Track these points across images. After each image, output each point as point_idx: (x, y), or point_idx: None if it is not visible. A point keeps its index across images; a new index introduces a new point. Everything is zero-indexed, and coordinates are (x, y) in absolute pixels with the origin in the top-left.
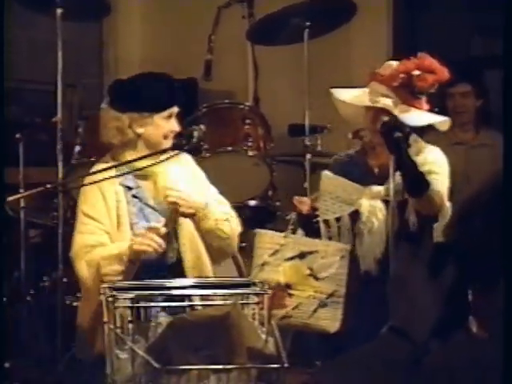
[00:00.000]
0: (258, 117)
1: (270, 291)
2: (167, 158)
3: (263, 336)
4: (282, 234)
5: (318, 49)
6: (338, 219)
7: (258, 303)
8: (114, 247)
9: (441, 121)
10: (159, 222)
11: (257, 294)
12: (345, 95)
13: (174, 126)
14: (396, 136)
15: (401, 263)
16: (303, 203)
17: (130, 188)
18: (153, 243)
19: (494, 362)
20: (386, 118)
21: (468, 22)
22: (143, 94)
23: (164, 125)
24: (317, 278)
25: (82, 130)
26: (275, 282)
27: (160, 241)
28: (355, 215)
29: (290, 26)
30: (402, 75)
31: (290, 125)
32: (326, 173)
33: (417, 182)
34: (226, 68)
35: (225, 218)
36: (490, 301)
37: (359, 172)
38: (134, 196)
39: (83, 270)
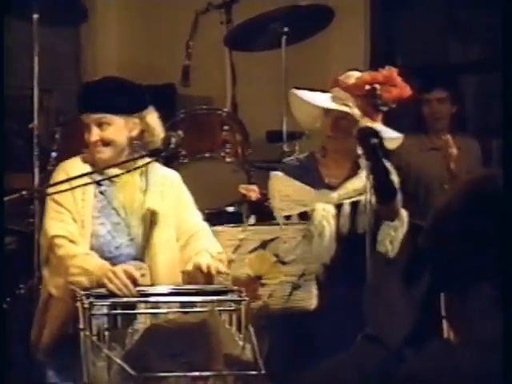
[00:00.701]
0: (236, 123)
1: (247, 299)
2: (143, 165)
3: (240, 343)
4: (240, 228)
5: (295, 55)
6: (287, 217)
7: (235, 310)
8: (88, 261)
9: (397, 136)
10: (137, 266)
11: (234, 301)
12: (308, 96)
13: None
14: (373, 142)
15: (375, 271)
16: (251, 190)
17: (100, 184)
18: (124, 289)
19: (469, 368)
20: (362, 125)
21: (445, 27)
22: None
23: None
24: (284, 263)
25: (58, 135)
26: (245, 275)
27: (131, 288)
28: (304, 217)
29: (267, 32)
30: (367, 85)
31: (267, 131)
32: (276, 173)
33: (388, 189)
34: (204, 74)
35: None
36: (463, 306)
37: (309, 177)
38: (101, 193)
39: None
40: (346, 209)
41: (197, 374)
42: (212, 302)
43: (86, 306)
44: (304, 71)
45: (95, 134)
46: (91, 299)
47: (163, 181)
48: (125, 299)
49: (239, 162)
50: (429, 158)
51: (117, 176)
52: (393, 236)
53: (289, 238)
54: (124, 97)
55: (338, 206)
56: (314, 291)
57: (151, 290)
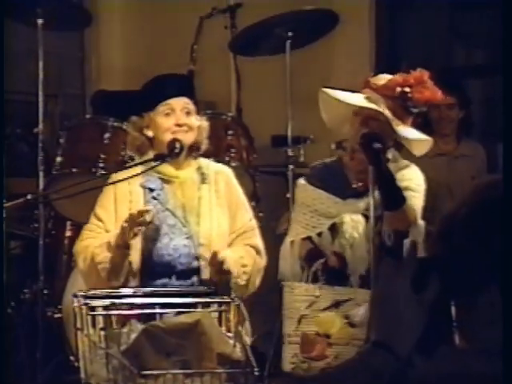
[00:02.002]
0: (241, 127)
1: (236, 300)
2: (147, 170)
3: (231, 342)
4: (317, 286)
5: (300, 59)
6: (319, 234)
7: (223, 311)
8: (105, 236)
9: (426, 139)
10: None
11: (222, 303)
12: (340, 95)
13: (177, 119)
14: (375, 147)
15: (384, 278)
16: (335, 260)
17: (151, 190)
18: (138, 222)
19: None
20: (365, 130)
21: (450, 32)
22: (136, 97)
23: (164, 121)
24: (353, 326)
25: (63, 140)
26: (313, 333)
27: (142, 217)
28: (333, 230)
29: (272, 37)
30: (398, 87)
31: (272, 135)
32: (302, 182)
33: (393, 195)
34: (209, 78)
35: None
36: (473, 314)
37: (336, 182)
38: (154, 198)
39: (81, 264)
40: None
41: (192, 371)
42: (204, 302)
43: (83, 306)
44: (308, 76)
45: (182, 118)
46: (88, 300)
47: (217, 176)
48: (121, 300)
49: (244, 167)
50: (435, 164)
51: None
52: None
53: (359, 300)
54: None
55: (367, 217)
56: None
57: (144, 291)
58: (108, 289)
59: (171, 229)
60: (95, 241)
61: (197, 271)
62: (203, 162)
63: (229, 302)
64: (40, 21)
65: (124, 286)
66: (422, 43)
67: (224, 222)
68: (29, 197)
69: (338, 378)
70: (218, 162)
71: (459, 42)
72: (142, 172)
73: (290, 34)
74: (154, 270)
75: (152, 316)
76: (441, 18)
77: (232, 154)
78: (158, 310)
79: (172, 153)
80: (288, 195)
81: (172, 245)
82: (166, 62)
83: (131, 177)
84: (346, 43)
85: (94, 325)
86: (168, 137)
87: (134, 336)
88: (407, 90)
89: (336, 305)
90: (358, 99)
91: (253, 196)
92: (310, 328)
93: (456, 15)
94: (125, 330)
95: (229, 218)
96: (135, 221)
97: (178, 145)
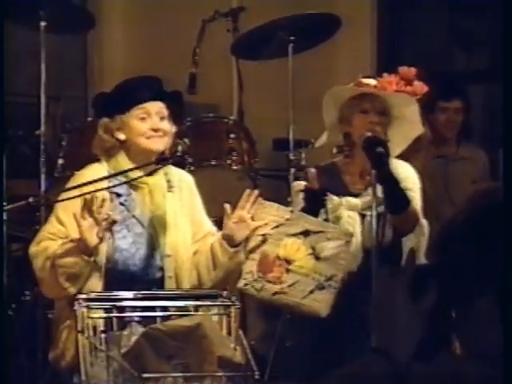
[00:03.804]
0: (243, 131)
1: (237, 303)
2: (154, 171)
3: (232, 345)
4: (289, 209)
5: (302, 63)
6: None
7: (225, 314)
8: (67, 240)
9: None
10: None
11: (224, 306)
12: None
13: (152, 123)
14: (378, 151)
15: (382, 284)
16: (316, 180)
17: (119, 195)
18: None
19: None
20: (368, 134)
21: (452, 34)
22: (108, 98)
23: (138, 125)
24: (318, 258)
25: (65, 142)
26: (275, 254)
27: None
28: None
29: (274, 40)
30: (394, 83)
31: (274, 139)
32: (299, 182)
33: (398, 198)
34: (211, 82)
35: None
36: (472, 320)
37: (332, 185)
38: (122, 204)
39: (39, 266)
40: (370, 219)
41: (193, 374)
42: (205, 305)
43: (84, 308)
44: (311, 79)
45: (157, 122)
46: (88, 302)
47: (180, 183)
48: (122, 303)
49: (245, 170)
50: (435, 167)
51: (131, 181)
52: (415, 247)
53: (334, 236)
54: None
55: (363, 216)
56: (332, 300)
57: (145, 294)
58: (62, 294)
59: (138, 238)
60: (55, 243)
61: (159, 282)
62: (168, 168)
63: (229, 305)
64: (43, 23)
65: (79, 293)
66: (424, 46)
67: (188, 233)
68: (30, 200)
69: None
70: (219, 165)
71: (461, 44)
72: (139, 178)
73: (292, 37)
74: (117, 279)
75: (152, 319)
76: (443, 20)
77: (233, 158)
78: (158, 313)
79: (174, 155)
80: (289, 199)
81: (138, 254)
82: (168, 64)
83: (99, 180)
84: (348, 47)
85: (94, 328)
86: (142, 141)
87: (134, 339)
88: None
89: (305, 233)
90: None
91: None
92: (271, 249)
93: (458, 17)
94: (125, 332)
95: (191, 227)
96: (91, 210)
97: (180, 147)
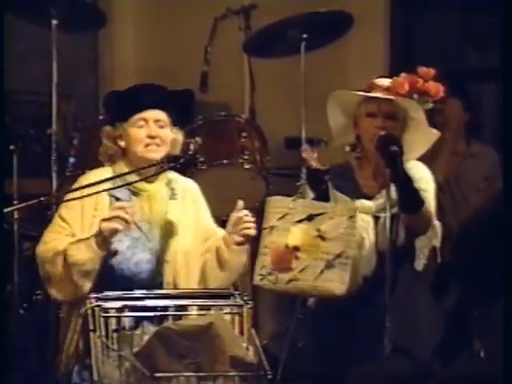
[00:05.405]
0: (255, 129)
1: (249, 303)
2: (160, 172)
3: (244, 344)
4: (291, 198)
5: (314, 61)
6: None
7: (237, 313)
8: (74, 239)
9: (433, 133)
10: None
11: (237, 306)
12: (359, 92)
13: (149, 130)
14: (392, 150)
15: (403, 284)
16: (313, 158)
17: (118, 199)
18: (120, 217)
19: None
20: (382, 133)
21: (465, 36)
22: (109, 107)
23: (136, 133)
24: (324, 239)
25: (76, 141)
26: (283, 244)
27: (127, 216)
28: None
29: (286, 39)
30: (407, 84)
31: (286, 138)
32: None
33: (412, 198)
34: (223, 80)
35: None
36: (492, 320)
37: (346, 187)
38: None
39: (49, 267)
40: (384, 221)
41: (205, 374)
42: (217, 305)
43: (96, 307)
44: (323, 78)
45: (155, 130)
46: (100, 301)
47: (184, 192)
48: (134, 302)
49: (257, 169)
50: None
51: (132, 183)
52: (427, 249)
53: (336, 215)
54: (177, 107)
55: (376, 217)
56: (347, 277)
57: (157, 293)
58: (74, 293)
59: (135, 242)
60: (62, 242)
61: (156, 288)
62: (173, 176)
63: (242, 305)
64: (54, 22)
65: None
66: (437, 45)
67: (188, 241)
68: (42, 198)
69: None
70: (231, 164)
71: (474, 42)
72: (153, 175)
73: (304, 35)
74: (112, 282)
75: (165, 318)
76: (455, 19)
77: (245, 157)
78: (171, 313)
79: (186, 154)
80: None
81: (134, 259)
82: (179, 62)
83: (101, 182)
84: (361, 45)
85: (106, 327)
86: (140, 149)
87: (146, 338)
88: (426, 82)
89: (309, 218)
90: (379, 94)
91: (266, 198)
92: (279, 239)
93: (471, 16)
94: (137, 331)
95: (195, 236)
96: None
97: (191, 146)
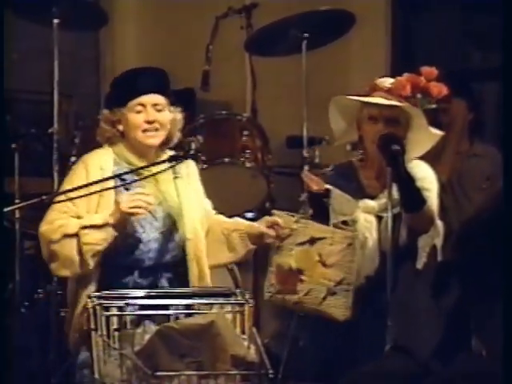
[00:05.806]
0: (256, 128)
1: (251, 301)
2: (164, 170)
3: (245, 344)
4: (294, 219)
5: (316, 60)
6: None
7: (239, 312)
8: (96, 217)
9: (435, 133)
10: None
11: (238, 305)
12: (360, 98)
13: (147, 115)
14: (393, 149)
15: (403, 284)
16: (314, 181)
17: (124, 180)
18: (141, 202)
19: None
20: (383, 132)
21: (467, 35)
22: (110, 91)
23: (134, 118)
24: (325, 265)
25: (78, 140)
26: (288, 265)
27: (148, 199)
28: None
29: (288, 37)
30: (409, 85)
31: (287, 136)
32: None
33: (413, 197)
34: (224, 79)
35: None
36: (492, 319)
37: (349, 187)
38: (126, 189)
39: (55, 246)
40: (387, 220)
41: (206, 373)
42: (218, 303)
43: (97, 306)
44: (324, 76)
45: (153, 114)
46: (102, 300)
47: (187, 170)
48: (135, 301)
49: (259, 168)
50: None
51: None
52: (429, 248)
53: (335, 241)
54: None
55: (379, 217)
56: (349, 303)
57: (159, 292)
58: (79, 271)
59: (141, 222)
60: (68, 221)
61: (168, 267)
62: (172, 154)
63: (243, 304)
64: (56, 21)
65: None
66: (437, 45)
67: (201, 216)
68: (44, 197)
69: (358, 382)
70: (233, 163)
71: (476, 42)
72: (153, 174)
73: (305, 34)
74: (117, 262)
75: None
76: (456, 19)
77: (247, 155)
78: (172, 311)
79: (187, 153)
80: (303, 197)
81: (142, 238)
82: (181, 62)
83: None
84: (362, 44)
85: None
86: (138, 135)
87: (147, 337)
88: (428, 83)
89: (311, 241)
90: (378, 99)
91: (267, 197)
92: (284, 260)
93: (471, 16)
94: (139, 330)
95: (201, 213)
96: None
97: (193, 145)
